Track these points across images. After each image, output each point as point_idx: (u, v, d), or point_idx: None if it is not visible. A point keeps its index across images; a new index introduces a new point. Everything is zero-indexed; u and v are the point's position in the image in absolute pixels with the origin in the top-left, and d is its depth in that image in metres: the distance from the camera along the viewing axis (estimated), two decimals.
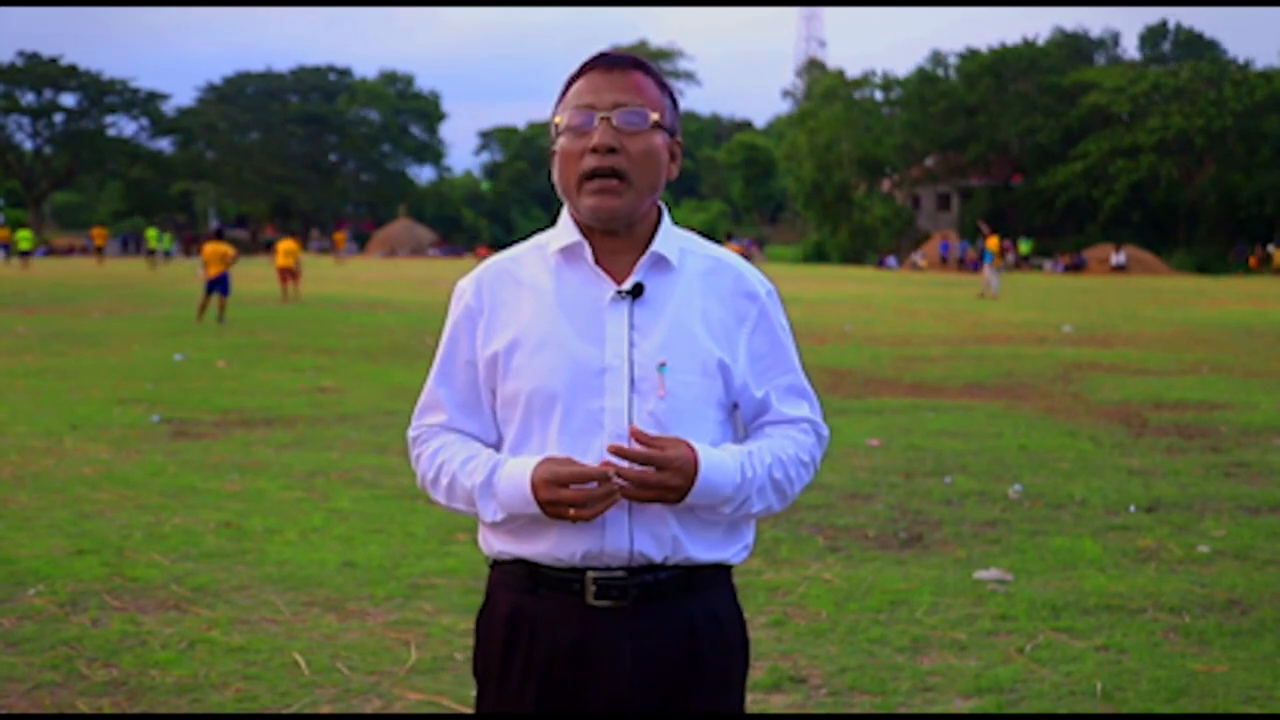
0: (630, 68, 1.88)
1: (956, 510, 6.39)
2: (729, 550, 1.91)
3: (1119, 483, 7.11)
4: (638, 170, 1.85)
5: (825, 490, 6.76)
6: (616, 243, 1.90)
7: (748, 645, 2.00)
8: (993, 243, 30.04)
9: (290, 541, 5.60)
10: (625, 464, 1.77)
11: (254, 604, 4.70)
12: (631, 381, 1.83)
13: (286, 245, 25.77)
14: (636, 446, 1.77)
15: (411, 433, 2.01)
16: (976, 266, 52.65)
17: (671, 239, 1.93)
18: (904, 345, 16.06)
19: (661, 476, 1.76)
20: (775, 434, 1.94)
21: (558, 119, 1.90)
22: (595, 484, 1.75)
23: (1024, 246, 54.68)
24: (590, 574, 1.84)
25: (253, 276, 32.14)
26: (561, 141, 1.88)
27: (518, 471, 1.81)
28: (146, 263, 43.68)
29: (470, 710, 3.69)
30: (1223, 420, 9.58)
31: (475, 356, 1.93)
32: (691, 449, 1.79)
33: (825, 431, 2.01)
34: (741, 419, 1.98)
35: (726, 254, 1.99)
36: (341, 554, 5.38)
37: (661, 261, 1.90)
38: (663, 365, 1.84)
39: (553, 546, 1.84)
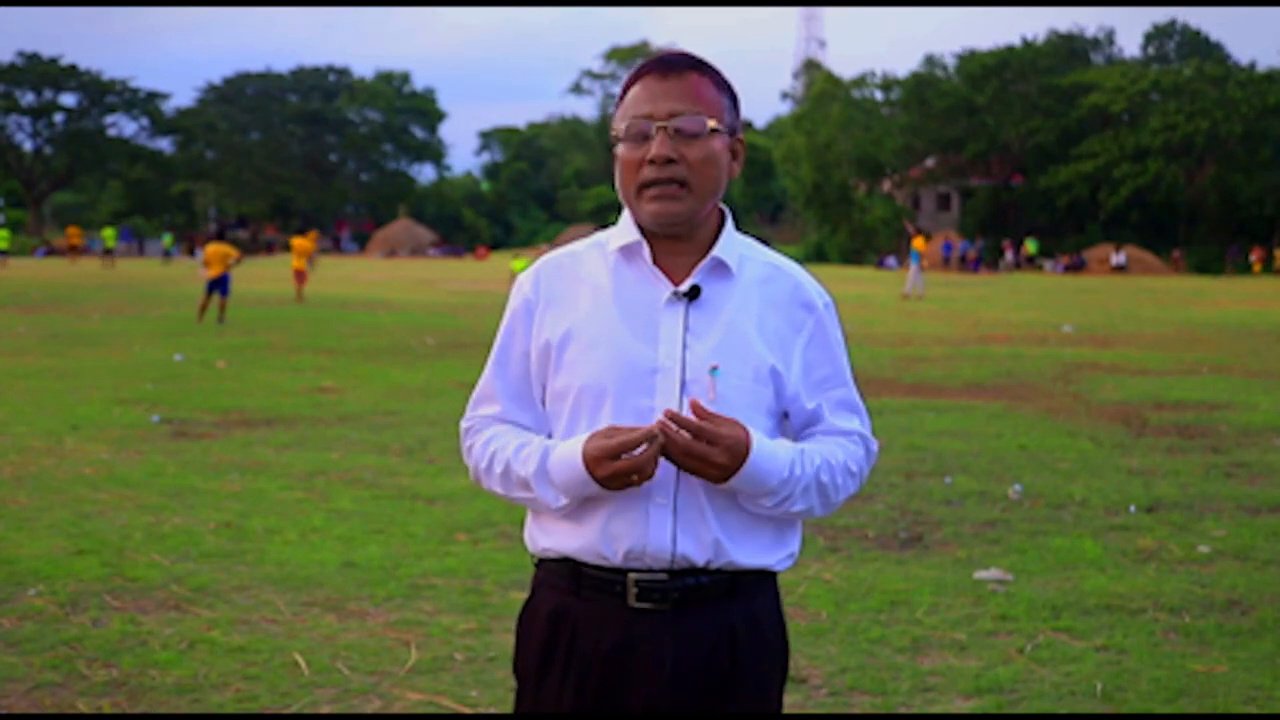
0: (687, 70, 1.87)
1: (956, 510, 6.39)
2: (774, 557, 1.91)
3: (1119, 483, 7.11)
4: (697, 177, 1.84)
5: None
6: (677, 244, 1.90)
7: (788, 651, 1.99)
8: (919, 243, 30.12)
9: (290, 541, 5.60)
10: (676, 429, 1.77)
11: (254, 604, 4.69)
12: (683, 383, 1.83)
13: (301, 244, 25.83)
14: (692, 417, 1.77)
15: (464, 423, 2.01)
16: (977, 266, 52.70)
17: (733, 244, 1.92)
18: (904, 345, 16.06)
19: (709, 450, 1.76)
20: (827, 441, 1.93)
21: (616, 129, 1.89)
22: (646, 446, 1.74)
23: (1031, 247, 54.65)
24: (632, 576, 1.83)
25: (254, 277, 32.15)
26: (621, 150, 1.88)
27: (569, 453, 1.81)
28: (101, 262, 43.55)
29: (469, 710, 3.69)
30: (1223, 420, 9.58)
31: (529, 348, 1.93)
32: (747, 433, 1.79)
33: (874, 447, 2.00)
34: (791, 428, 1.96)
35: (786, 263, 1.98)
36: (341, 554, 5.38)
37: (721, 266, 1.89)
38: (715, 369, 1.84)
39: (597, 542, 1.84)
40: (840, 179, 60.87)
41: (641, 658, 1.83)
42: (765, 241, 2.06)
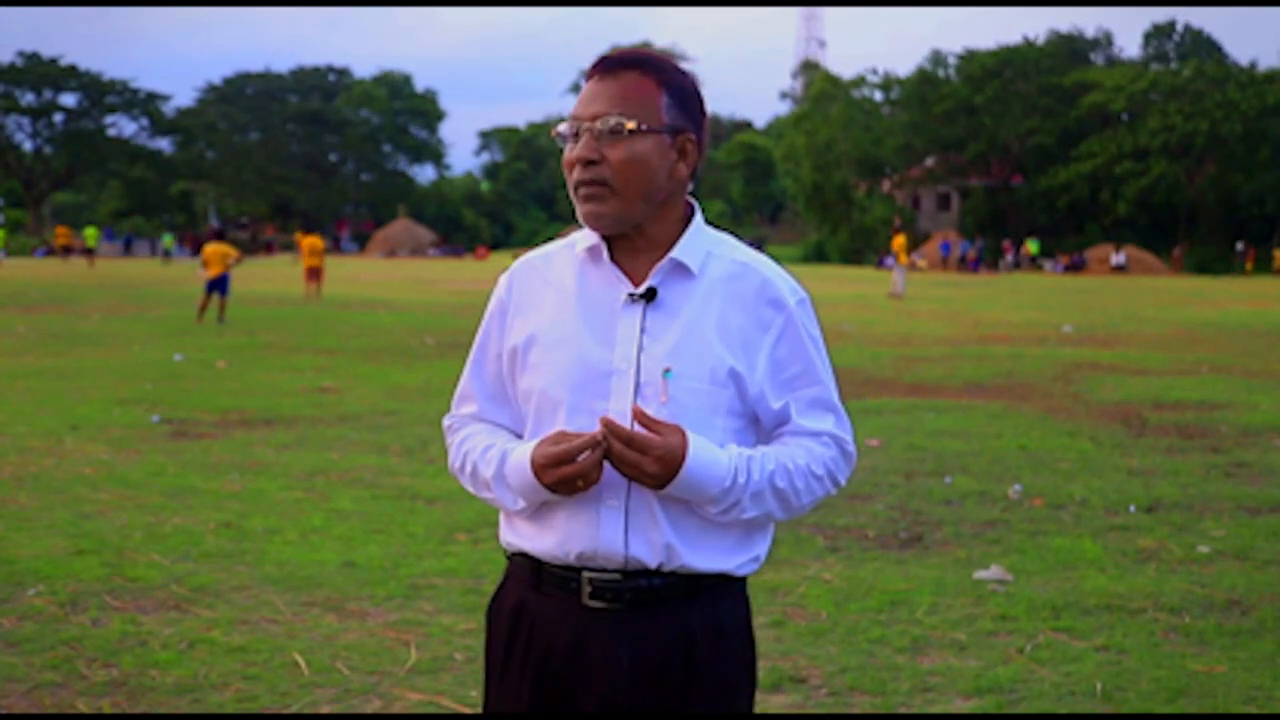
0: (626, 69, 1.86)
1: (956, 510, 6.39)
2: (734, 561, 1.88)
3: (1119, 483, 7.11)
4: (620, 178, 1.83)
5: None
6: (635, 244, 1.89)
7: (755, 660, 1.97)
8: (898, 242, 30.10)
9: (290, 541, 5.60)
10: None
11: (254, 604, 4.69)
12: (637, 386, 1.83)
13: (313, 243, 25.89)
14: (636, 426, 1.78)
15: (446, 420, 2.04)
16: (976, 266, 52.71)
17: (698, 243, 1.90)
18: (904, 345, 16.06)
19: (640, 459, 1.75)
20: (790, 443, 1.90)
21: (558, 128, 1.91)
22: (589, 453, 1.76)
23: (1033, 247, 54.65)
24: (586, 574, 1.84)
25: (254, 277, 32.15)
26: (564, 152, 1.89)
27: (521, 458, 1.83)
28: (87, 262, 43.53)
29: (469, 710, 3.69)
30: (1223, 420, 9.58)
31: (502, 349, 1.95)
32: (684, 442, 1.77)
33: (851, 448, 1.95)
34: (763, 429, 1.94)
35: (756, 259, 1.95)
36: (341, 554, 5.38)
37: (680, 268, 1.88)
38: (667, 371, 1.83)
39: (555, 542, 1.85)
40: (840, 179, 60.89)
41: (596, 656, 1.84)
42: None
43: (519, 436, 1.95)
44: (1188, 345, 16.35)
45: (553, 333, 1.88)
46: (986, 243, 57.74)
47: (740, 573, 1.90)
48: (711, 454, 1.80)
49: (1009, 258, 54.25)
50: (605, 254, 1.89)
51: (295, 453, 7.91)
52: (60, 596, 4.73)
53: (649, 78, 1.86)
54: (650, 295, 1.85)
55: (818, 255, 62.08)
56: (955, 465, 7.62)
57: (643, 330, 1.85)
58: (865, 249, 59.97)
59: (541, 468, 1.78)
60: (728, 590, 1.90)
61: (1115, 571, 5.22)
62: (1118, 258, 50.65)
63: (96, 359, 13.34)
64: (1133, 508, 6.44)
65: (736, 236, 1.98)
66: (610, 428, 1.76)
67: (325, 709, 3.72)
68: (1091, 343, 16.71)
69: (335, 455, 7.81)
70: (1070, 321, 20.53)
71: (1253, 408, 10.23)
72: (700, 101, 1.92)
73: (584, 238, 1.93)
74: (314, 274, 25.34)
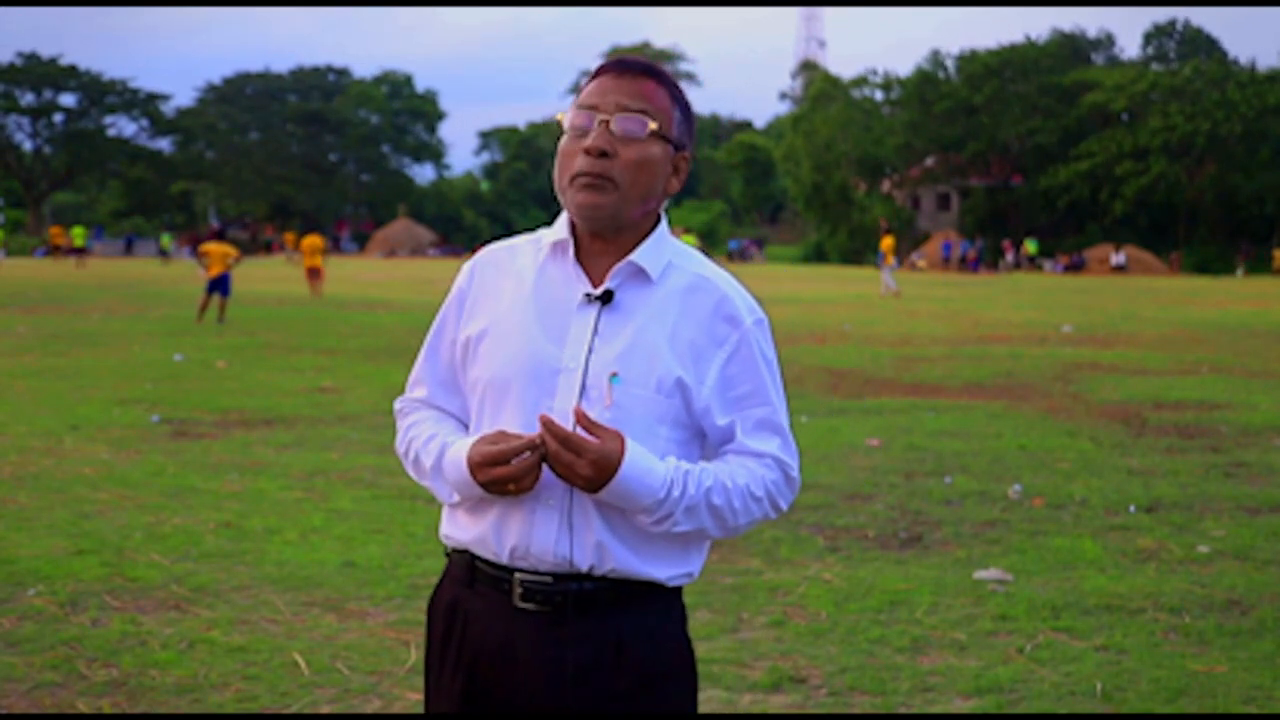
0: (642, 74, 1.87)
1: (956, 510, 6.39)
2: (665, 571, 1.86)
3: (1119, 483, 7.11)
4: (628, 177, 1.83)
5: (825, 490, 6.76)
6: (604, 246, 1.89)
7: (692, 671, 1.94)
8: (885, 243, 30.20)
9: (290, 541, 5.60)
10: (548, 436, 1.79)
11: (254, 604, 4.69)
12: (583, 387, 1.82)
13: (313, 243, 26.02)
14: (577, 426, 1.77)
15: (396, 403, 2.04)
16: (977, 266, 52.71)
17: (659, 251, 1.90)
18: (904, 345, 16.06)
19: (574, 460, 1.74)
20: (733, 462, 1.88)
21: (560, 116, 1.89)
22: (529, 454, 1.76)
23: (1031, 247, 54.64)
24: (518, 575, 1.83)
25: (254, 277, 32.15)
26: (562, 141, 1.88)
27: (459, 454, 1.83)
28: (75, 262, 43.51)
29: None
30: (1223, 420, 9.58)
31: (457, 336, 1.96)
32: (621, 448, 1.76)
33: (795, 474, 1.92)
34: (709, 444, 1.92)
35: (718, 274, 1.93)
36: (341, 554, 5.38)
37: (639, 273, 1.87)
38: (614, 376, 1.82)
39: (489, 536, 1.85)
40: (840, 179, 60.88)
41: (524, 658, 1.83)
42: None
43: (466, 426, 1.96)
44: (1188, 345, 16.35)
45: (505, 324, 1.88)
46: (986, 243, 57.74)
47: (671, 584, 1.88)
48: (648, 463, 1.78)
49: (1009, 257, 54.26)
50: (571, 251, 1.89)
51: (295, 453, 7.91)
52: (60, 596, 4.73)
53: (664, 89, 1.88)
54: (607, 297, 1.85)
55: (817, 255, 62.11)
56: (955, 465, 7.62)
57: (595, 332, 1.84)
58: (865, 249, 59.97)
59: (477, 465, 1.78)
60: (659, 599, 1.88)
61: (1115, 571, 5.22)
62: (1117, 258, 50.65)
63: (96, 359, 13.34)
64: (1133, 508, 6.44)
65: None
66: (548, 426, 1.75)
67: (325, 709, 3.72)
68: (1091, 343, 16.71)
69: (335, 455, 7.81)
70: (1070, 321, 20.53)
71: (1253, 408, 10.23)
72: (694, 125, 1.95)
73: (551, 232, 1.93)
74: (314, 273, 25.41)
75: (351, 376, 12.08)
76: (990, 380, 12.24)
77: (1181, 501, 6.60)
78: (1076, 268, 51.81)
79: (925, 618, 4.57)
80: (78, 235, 46.30)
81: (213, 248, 18.89)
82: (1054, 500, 6.61)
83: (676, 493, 1.79)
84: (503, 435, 1.78)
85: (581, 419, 1.76)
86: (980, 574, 5.14)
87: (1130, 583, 5.04)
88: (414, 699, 3.78)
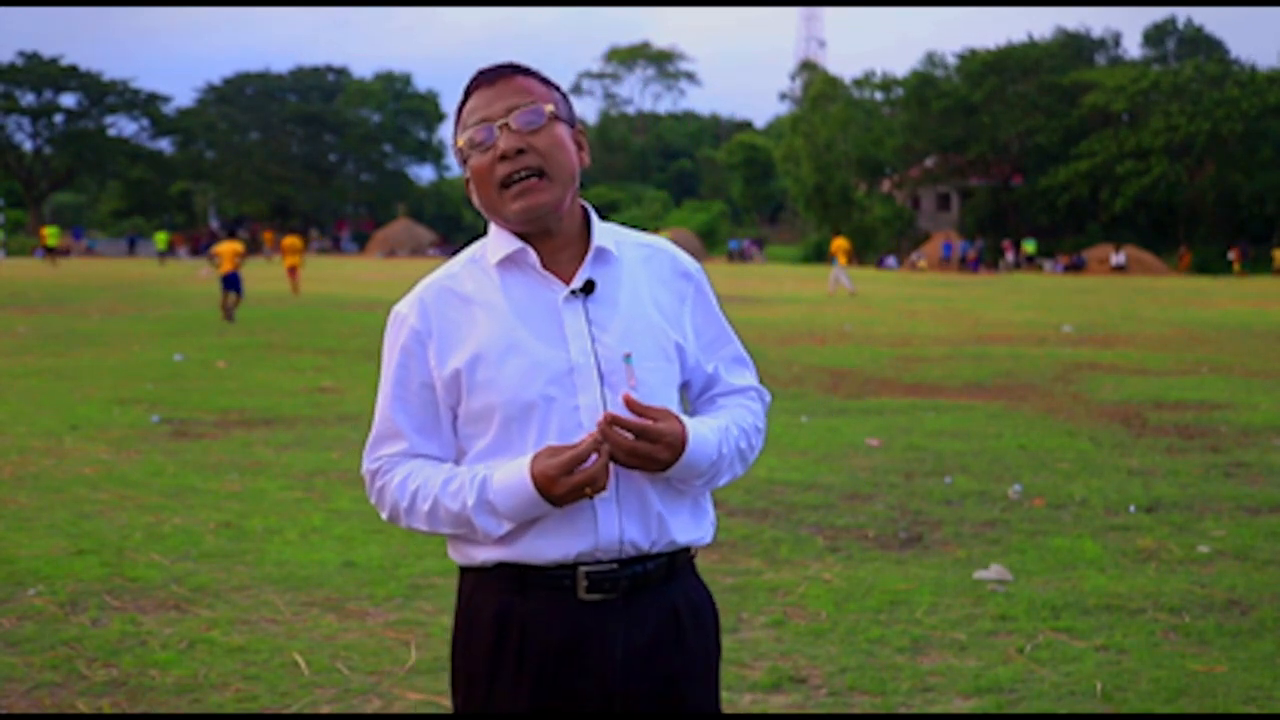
0: (510, 74, 1.91)
1: (956, 510, 6.39)
2: (701, 529, 1.96)
3: (1119, 483, 7.11)
4: (551, 163, 1.87)
5: (825, 490, 6.76)
6: (553, 243, 1.91)
7: (719, 630, 2.04)
8: (837, 244, 30.63)
9: (290, 541, 5.60)
10: (623, 433, 1.80)
11: (254, 604, 4.70)
12: (601, 376, 1.86)
13: (292, 243, 26.34)
14: (630, 415, 1.80)
15: (370, 465, 1.96)
16: (976, 266, 52.71)
17: (605, 232, 1.96)
18: (904, 345, 16.06)
19: (651, 448, 1.79)
20: (730, 404, 2.00)
21: (460, 142, 1.91)
22: (595, 457, 1.77)
23: (1029, 246, 54.61)
24: (582, 569, 1.85)
25: (253, 277, 32.13)
26: (471, 162, 1.89)
27: (512, 479, 1.81)
28: (49, 262, 43.49)
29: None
30: (1223, 420, 9.58)
31: (430, 378, 1.90)
32: (681, 423, 1.83)
33: (768, 397, 2.09)
34: (690, 394, 2.02)
35: (654, 239, 2.04)
36: (341, 554, 5.38)
37: (604, 254, 1.93)
38: (628, 356, 1.87)
39: (547, 547, 1.84)
40: (841, 179, 60.87)
41: (593, 648, 1.85)
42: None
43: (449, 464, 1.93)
44: (1188, 345, 16.34)
45: (496, 347, 1.86)
46: (986, 243, 57.74)
47: (708, 539, 1.98)
48: (702, 429, 1.87)
49: (1009, 257, 54.25)
50: (533, 258, 1.90)
51: (295, 453, 7.91)
52: (60, 596, 4.73)
53: (533, 79, 1.93)
54: (589, 288, 1.89)
55: (818, 255, 62.03)
56: (955, 465, 7.62)
57: (590, 322, 1.88)
58: (865, 249, 59.97)
59: (549, 480, 1.77)
60: (690, 567, 1.99)
61: (1115, 571, 5.22)
62: (1117, 258, 50.63)
63: (96, 359, 13.35)
64: (1133, 508, 6.44)
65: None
66: (619, 422, 1.78)
67: (325, 709, 3.72)
68: (1091, 343, 16.71)
69: (335, 455, 7.81)
70: (1070, 321, 20.53)
71: (1253, 408, 10.23)
72: (570, 103, 2.02)
73: (493, 250, 1.92)
74: (293, 272, 25.83)
75: (351, 376, 12.08)
76: (990, 380, 12.24)
77: (1181, 501, 6.60)
78: (1076, 268, 51.80)
79: (925, 618, 4.57)
80: (51, 235, 46.36)
81: (223, 247, 19.31)
82: (1054, 500, 6.61)
83: (726, 449, 1.90)
84: (558, 448, 1.79)
85: (634, 405, 1.80)
86: (980, 574, 5.14)
87: (1130, 583, 5.04)
88: (414, 699, 3.79)
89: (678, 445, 1.81)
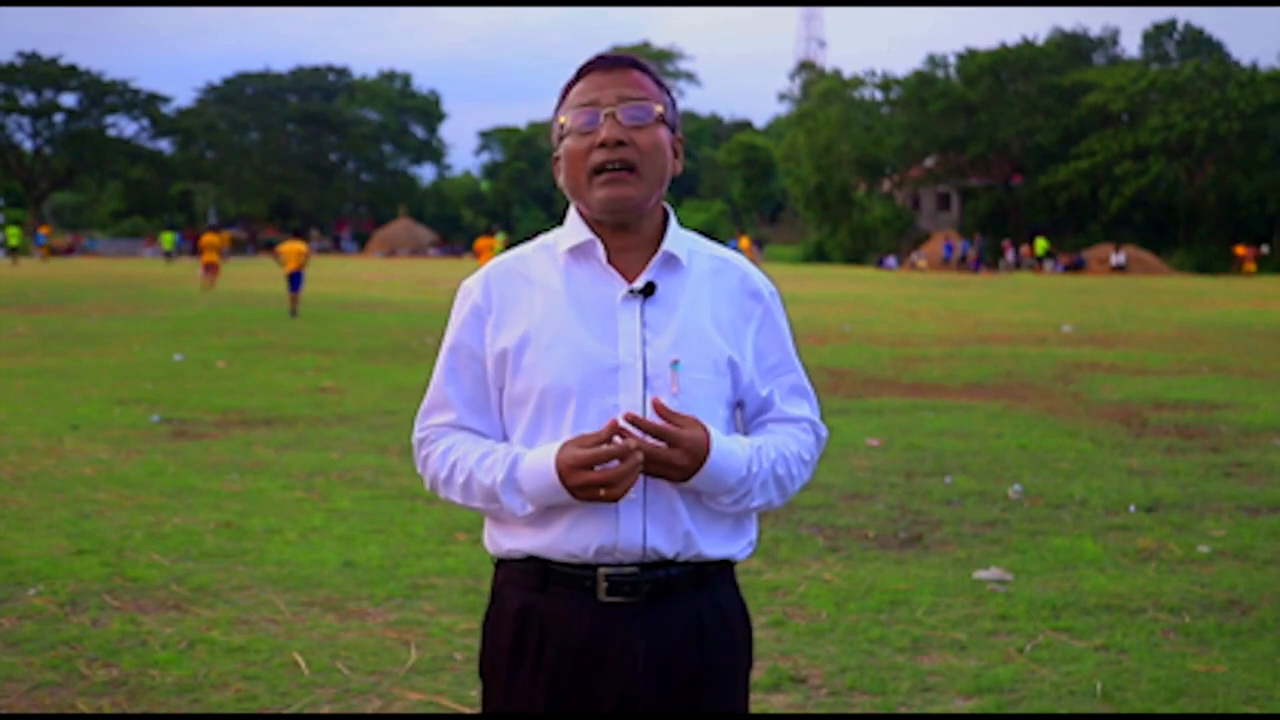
0: (629, 67, 1.90)
1: (956, 510, 6.39)
2: (736, 546, 1.93)
3: (1119, 483, 7.11)
4: (646, 162, 1.86)
5: (825, 490, 6.76)
6: (626, 240, 1.91)
7: (752, 642, 2.01)
8: (744, 243, 31.42)
9: (290, 541, 5.60)
10: (638, 433, 1.78)
11: (254, 604, 4.69)
12: (645, 379, 1.85)
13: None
14: (655, 418, 1.79)
15: (418, 434, 1.98)
16: (977, 266, 52.70)
17: (681, 239, 1.95)
18: (904, 345, 16.06)
19: (670, 454, 1.78)
20: (779, 431, 1.96)
21: (561, 119, 1.90)
22: (618, 462, 1.76)
23: (1041, 245, 54.48)
24: (602, 570, 1.84)
25: (253, 277, 32.14)
26: (567, 142, 1.89)
27: (540, 462, 1.81)
28: (9, 260, 43.71)
29: (469, 710, 3.69)
30: (1223, 420, 9.58)
31: (483, 353, 1.92)
32: (706, 432, 1.81)
33: (824, 432, 2.03)
34: (743, 417, 1.99)
35: (731, 254, 2.02)
36: (341, 554, 5.38)
37: (672, 260, 1.91)
38: (676, 363, 1.85)
39: (566, 539, 1.84)
40: (841, 179, 60.84)
41: (612, 651, 1.84)
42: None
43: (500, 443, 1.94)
44: (1188, 345, 16.34)
45: (547, 332, 1.87)
46: (987, 243, 57.72)
47: (741, 557, 1.95)
48: (730, 444, 1.84)
49: (1009, 257, 54.23)
50: (600, 251, 1.90)
51: (295, 453, 7.91)
52: (60, 596, 4.73)
53: (650, 78, 1.92)
54: (649, 290, 1.88)
55: (818, 255, 62.03)
56: (955, 465, 7.62)
57: (644, 324, 1.87)
58: (866, 249, 59.94)
59: (569, 469, 1.77)
60: (726, 576, 1.96)
61: (1115, 571, 5.22)
62: (1118, 258, 50.61)
63: (96, 359, 13.35)
64: (1133, 508, 6.44)
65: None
66: (638, 422, 1.77)
67: (325, 709, 3.72)
68: (1091, 343, 16.71)
69: (335, 455, 7.81)
70: (1070, 321, 20.53)
71: (1253, 408, 10.23)
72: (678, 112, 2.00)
73: (565, 237, 1.93)
74: (211, 269, 26.77)
75: (351, 376, 12.08)
76: (990, 380, 12.24)
77: (1181, 501, 6.60)
78: (1076, 267, 51.78)
79: (925, 618, 4.57)
80: (13, 235, 46.53)
81: (287, 246, 20.21)
82: (1054, 500, 6.61)
83: (755, 469, 1.87)
84: (585, 437, 1.79)
85: (661, 410, 1.78)
86: (980, 574, 5.14)
87: (1130, 583, 5.04)
88: (414, 699, 3.78)
89: (699, 454, 1.79)
